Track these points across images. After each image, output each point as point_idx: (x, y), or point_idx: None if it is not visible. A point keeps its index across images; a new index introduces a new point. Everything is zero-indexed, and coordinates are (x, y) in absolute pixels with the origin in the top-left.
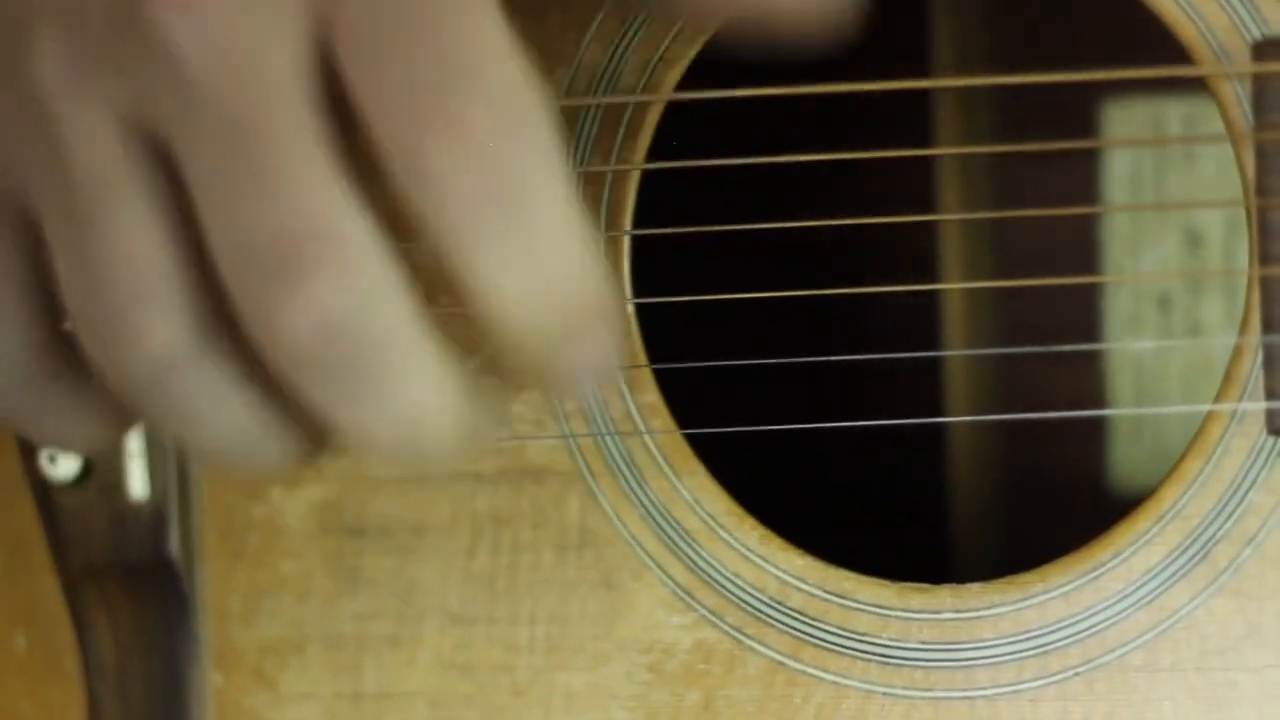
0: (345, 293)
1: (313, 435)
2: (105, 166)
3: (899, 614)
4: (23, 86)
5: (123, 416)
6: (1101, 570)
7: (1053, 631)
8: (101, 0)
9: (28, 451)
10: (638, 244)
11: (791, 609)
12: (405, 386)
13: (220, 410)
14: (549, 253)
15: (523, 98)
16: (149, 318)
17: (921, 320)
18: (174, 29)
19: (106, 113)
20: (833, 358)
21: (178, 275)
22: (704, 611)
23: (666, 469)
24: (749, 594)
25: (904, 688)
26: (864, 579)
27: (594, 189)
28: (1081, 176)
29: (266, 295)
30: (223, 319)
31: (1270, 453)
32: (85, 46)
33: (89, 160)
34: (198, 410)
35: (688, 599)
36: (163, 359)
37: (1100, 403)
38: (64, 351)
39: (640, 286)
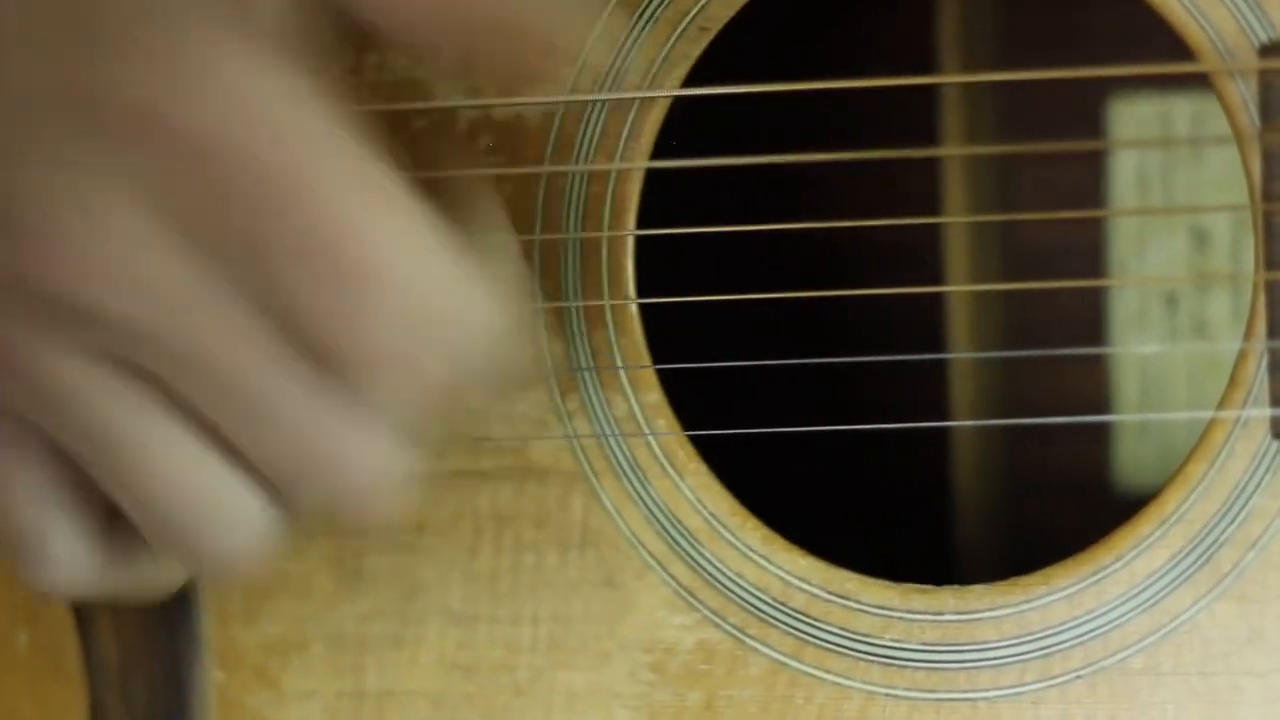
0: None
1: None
2: (96, 406)
3: (902, 615)
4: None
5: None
6: (1104, 573)
7: (1055, 634)
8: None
9: None
10: (641, 244)
11: (794, 609)
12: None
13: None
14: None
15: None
16: (222, 521)
17: (926, 320)
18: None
19: (78, 363)
20: (837, 359)
21: (227, 474)
22: (706, 612)
23: (669, 469)
24: (751, 594)
25: (906, 689)
26: (867, 580)
27: (598, 188)
28: (1088, 175)
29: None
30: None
31: (1275, 457)
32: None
33: (90, 406)
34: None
35: (690, 599)
36: (246, 547)
37: (1106, 402)
38: (126, 533)
39: (644, 286)
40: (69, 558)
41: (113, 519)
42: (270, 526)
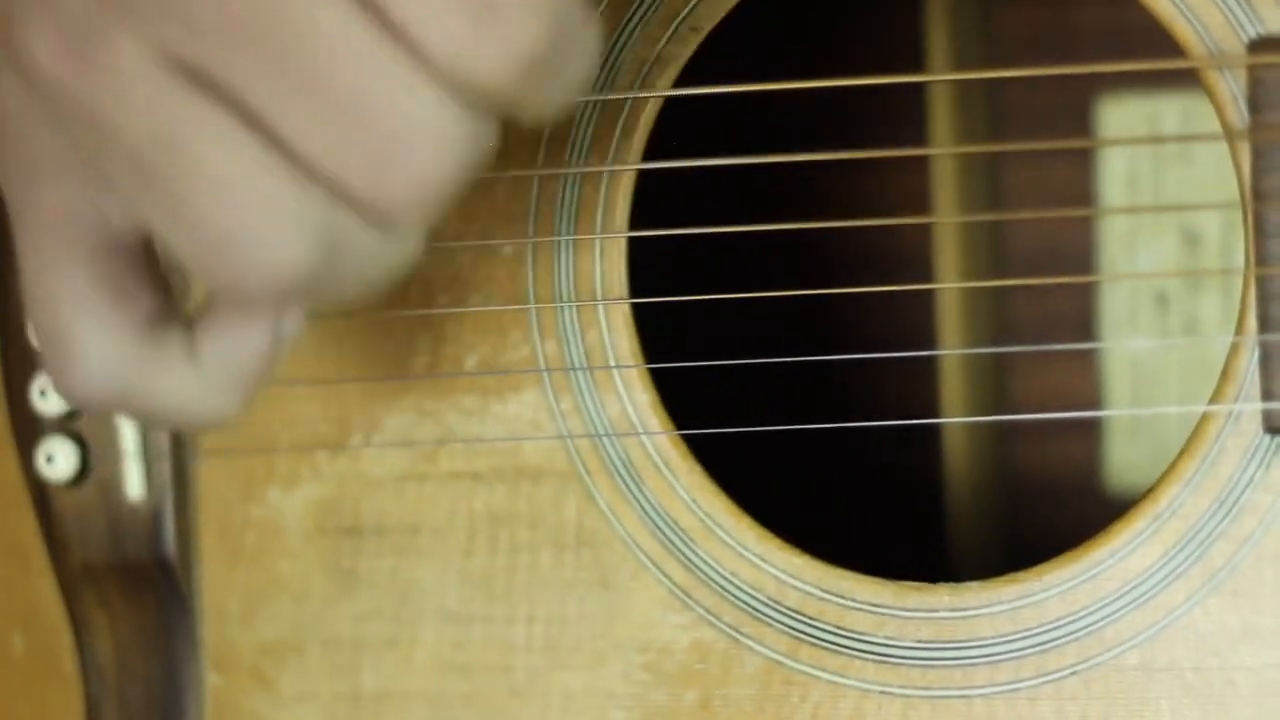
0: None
1: None
2: (158, 117)
3: (896, 613)
4: (29, 88)
5: (241, 387)
6: (1098, 569)
7: (1050, 630)
8: None
9: (25, 452)
10: (633, 244)
11: (789, 608)
12: None
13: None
14: (579, 75)
15: None
16: (276, 237)
17: (917, 319)
18: None
19: (131, 69)
20: (828, 357)
21: (289, 183)
22: (701, 611)
23: (663, 469)
24: (746, 593)
25: (901, 686)
26: (861, 578)
27: (590, 189)
28: (1079, 174)
29: (375, 176)
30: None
31: (1267, 451)
32: (76, 25)
33: (139, 119)
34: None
35: (685, 598)
36: (290, 273)
37: (1097, 401)
38: (163, 322)
39: (637, 287)
40: (99, 363)
41: (151, 326)
42: (325, 242)
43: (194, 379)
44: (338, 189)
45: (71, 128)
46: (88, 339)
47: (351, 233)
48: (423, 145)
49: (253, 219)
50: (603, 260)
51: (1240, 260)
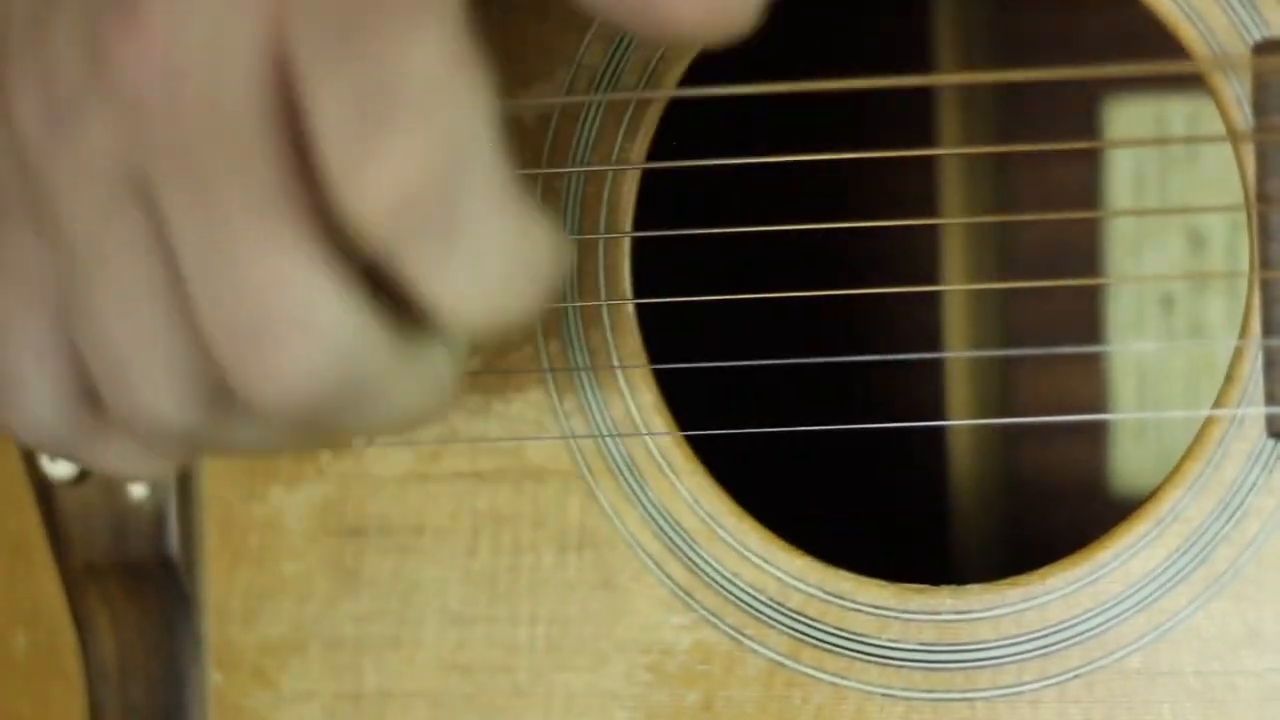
0: (318, 356)
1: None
2: (93, 216)
3: (899, 615)
4: (9, 135)
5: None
6: (1101, 573)
7: (1053, 633)
8: (70, 49)
9: (29, 451)
10: (638, 244)
11: (791, 610)
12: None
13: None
14: (490, 266)
15: (466, 123)
16: (150, 377)
17: (923, 321)
18: (131, 68)
19: (89, 162)
20: (833, 359)
21: (175, 331)
22: (704, 612)
23: (667, 469)
24: (749, 595)
25: (903, 689)
26: (864, 580)
27: (594, 188)
28: (1085, 175)
29: (250, 356)
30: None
31: (1270, 456)
32: (59, 96)
33: (78, 210)
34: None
35: (687, 599)
36: (165, 420)
37: (1103, 403)
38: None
39: (641, 287)
40: (38, 416)
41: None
42: (188, 405)
43: (130, 447)
44: (210, 358)
45: (29, 187)
46: (34, 390)
47: (227, 409)
48: (305, 337)
49: (138, 354)
50: (606, 260)
51: (1246, 261)
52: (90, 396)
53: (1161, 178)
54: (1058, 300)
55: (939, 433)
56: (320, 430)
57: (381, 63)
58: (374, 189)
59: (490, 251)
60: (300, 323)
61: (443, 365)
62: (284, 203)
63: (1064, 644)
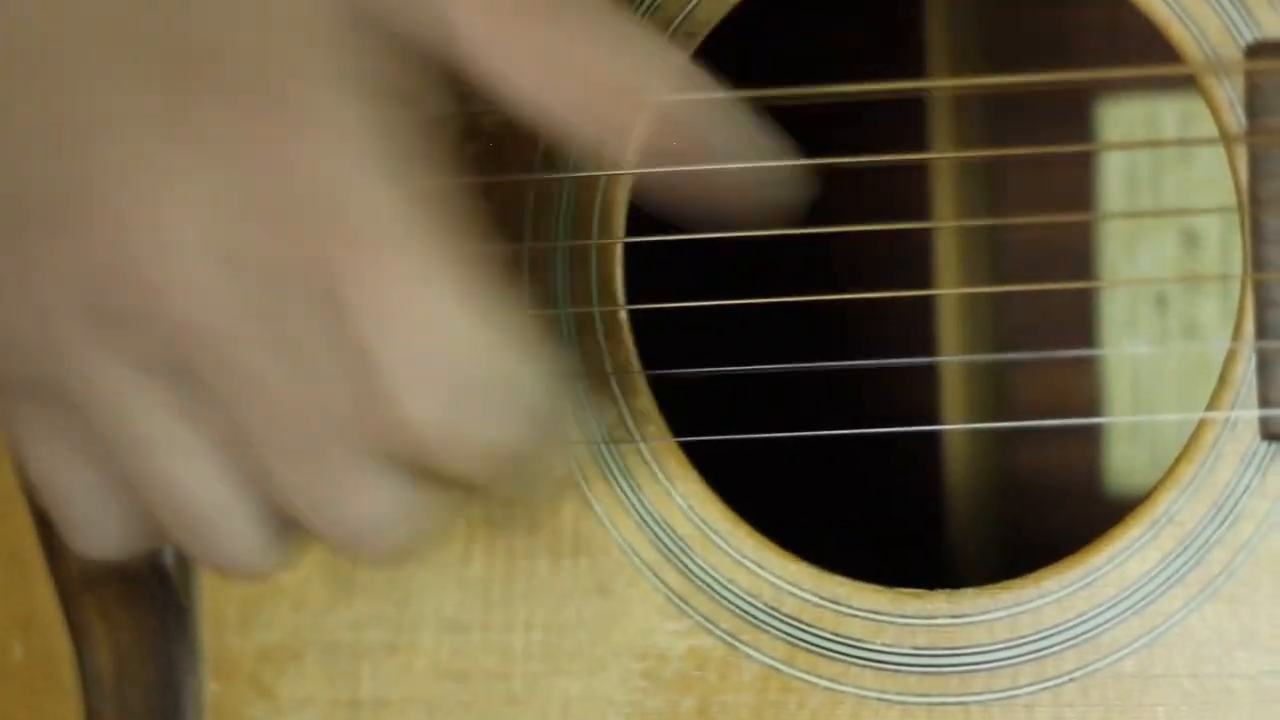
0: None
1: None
2: (146, 409)
3: (894, 619)
4: (51, 337)
5: None
6: (1095, 576)
7: (1048, 637)
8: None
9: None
10: (630, 250)
11: (786, 615)
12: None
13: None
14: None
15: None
16: (226, 536)
17: (917, 324)
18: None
19: (135, 364)
20: (827, 363)
21: (237, 494)
22: (699, 618)
23: (660, 476)
24: (743, 600)
25: (899, 693)
26: (858, 584)
27: (587, 194)
28: (1077, 176)
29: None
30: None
31: (1264, 458)
32: (103, 309)
33: (129, 403)
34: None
35: (682, 605)
36: (248, 564)
37: (1097, 405)
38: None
39: (634, 293)
40: (111, 538)
41: None
42: (274, 547)
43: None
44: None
45: (73, 387)
46: (97, 524)
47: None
48: (379, 530)
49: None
50: (600, 265)
51: (1240, 261)
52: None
53: (1155, 178)
54: (1051, 300)
55: (933, 435)
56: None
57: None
58: (453, 456)
59: (549, 463)
60: (383, 521)
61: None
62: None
63: (1059, 647)
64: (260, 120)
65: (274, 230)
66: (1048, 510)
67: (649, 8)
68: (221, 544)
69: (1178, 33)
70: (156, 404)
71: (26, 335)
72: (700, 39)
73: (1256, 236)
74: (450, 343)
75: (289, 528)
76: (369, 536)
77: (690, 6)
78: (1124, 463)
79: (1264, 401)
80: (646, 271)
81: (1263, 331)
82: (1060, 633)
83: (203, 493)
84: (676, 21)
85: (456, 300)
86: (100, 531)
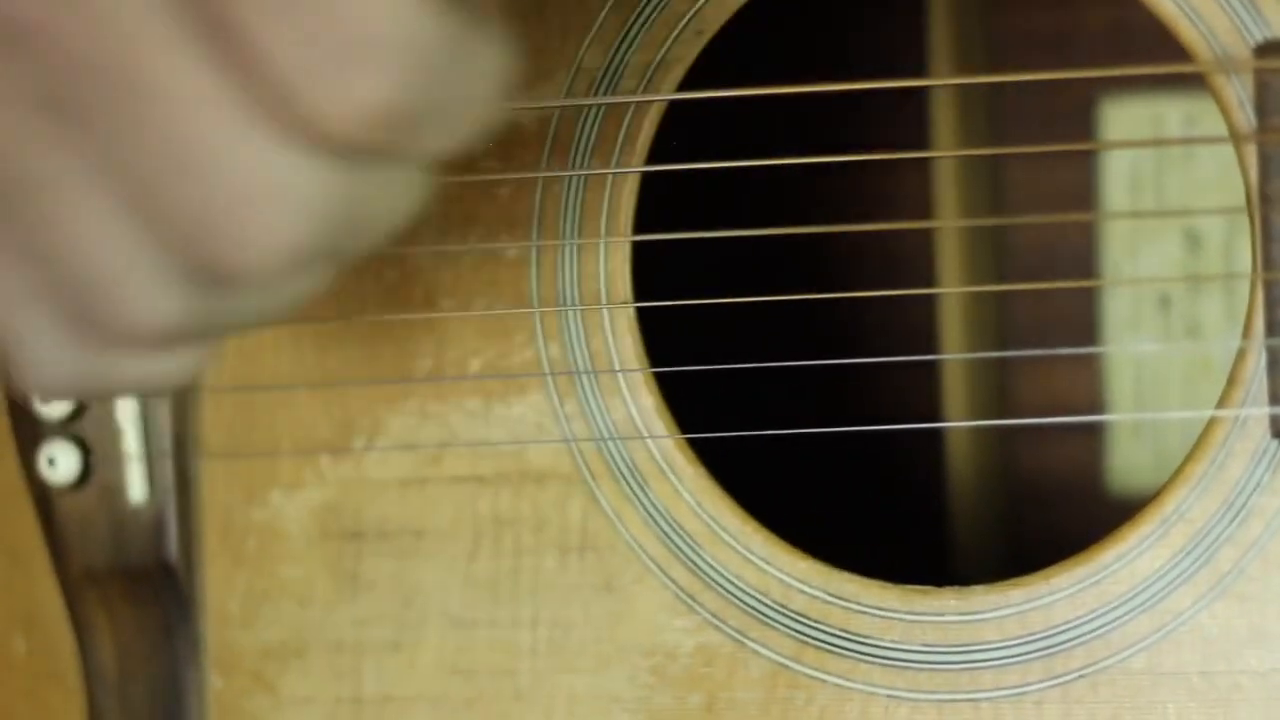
0: (290, 216)
1: None
2: (23, 153)
3: (902, 616)
4: None
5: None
6: (1105, 573)
7: (1057, 634)
8: None
9: (27, 455)
10: (637, 247)
11: (794, 612)
12: None
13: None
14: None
15: (435, 51)
16: (135, 289)
17: (920, 321)
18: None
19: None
20: (832, 361)
21: (143, 239)
22: (706, 614)
23: (668, 473)
24: (751, 597)
25: (908, 690)
26: (867, 581)
27: (594, 192)
28: (1080, 175)
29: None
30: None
31: (1274, 456)
32: None
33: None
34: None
35: (690, 602)
36: (166, 319)
37: (1100, 402)
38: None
39: (641, 290)
40: (47, 354)
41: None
42: (196, 291)
43: (146, 358)
44: (189, 251)
45: None
46: (35, 337)
47: (221, 288)
48: (269, 204)
49: (116, 273)
50: (607, 263)
51: (1243, 261)
52: (87, 322)
53: (1158, 178)
54: (1055, 298)
55: (937, 434)
56: (313, 272)
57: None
58: (333, 122)
59: (475, 97)
60: (265, 193)
61: (417, 174)
62: (223, 95)
63: (1068, 644)
64: None
65: None
66: (1050, 509)
67: (658, 6)
68: (133, 301)
69: (1186, 32)
70: (35, 140)
71: None
72: (708, 37)
73: (1266, 235)
74: None
75: (206, 281)
76: (249, 218)
77: (699, 5)
78: (1127, 462)
79: (1274, 399)
80: (654, 270)
81: (1273, 329)
82: (1070, 630)
83: (101, 242)
84: (685, 20)
85: None
86: (37, 343)
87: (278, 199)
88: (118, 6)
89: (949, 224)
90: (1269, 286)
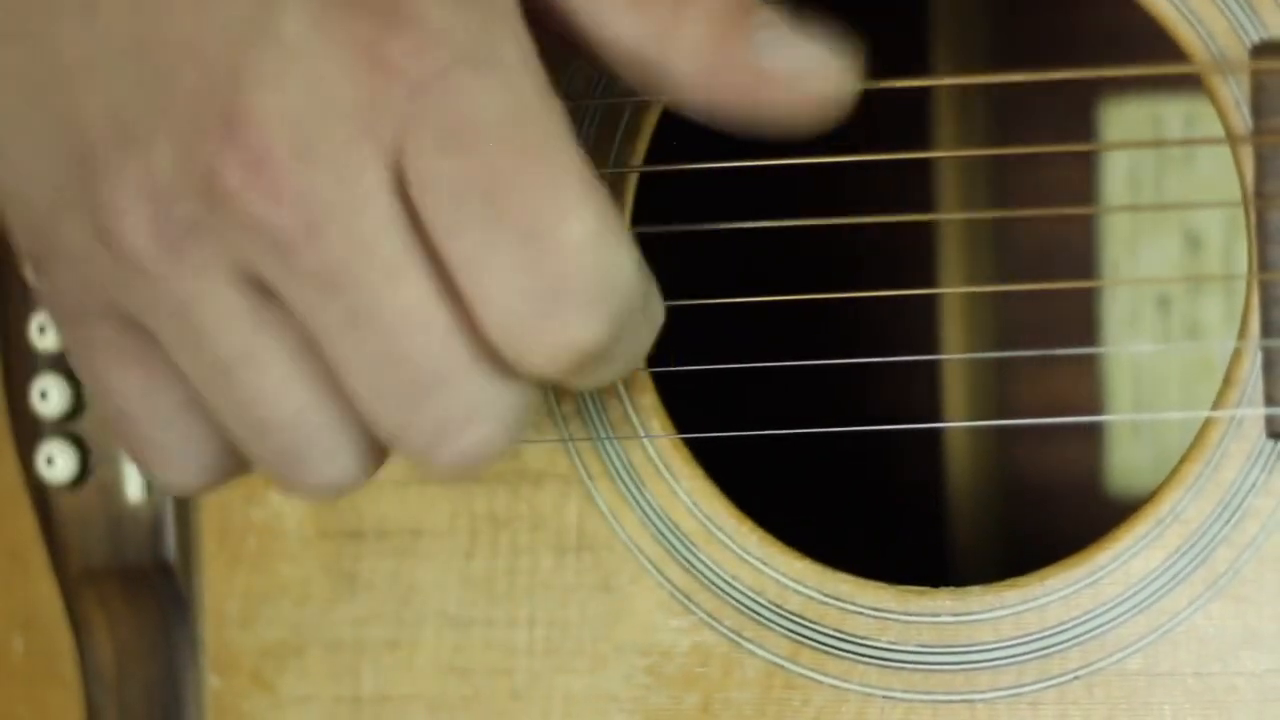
0: (489, 438)
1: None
2: (226, 322)
3: (898, 617)
4: (124, 260)
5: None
6: (1100, 574)
7: (1052, 635)
8: (181, 178)
9: (25, 454)
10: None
11: (790, 612)
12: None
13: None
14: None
15: (626, 288)
16: (310, 452)
17: (919, 321)
18: (256, 205)
19: (211, 274)
20: (830, 361)
21: (331, 416)
22: (702, 614)
23: (665, 472)
24: (747, 597)
25: (903, 691)
26: (863, 582)
27: None
28: (1080, 176)
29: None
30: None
31: (1269, 457)
32: (171, 221)
33: (209, 318)
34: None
35: (686, 602)
36: (340, 485)
37: (1099, 405)
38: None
39: None
40: (195, 466)
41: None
42: (366, 466)
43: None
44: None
45: (148, 308)
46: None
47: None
48: (466, 427)
49: (307, 438)
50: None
51: (1243, 262)
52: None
53: (1157, 178)
54: (1054, 298)
55: (935, 434)
56: None
57: (538, 238)
58: (541, 358)
59: (635, 351)
60: (471, 417)
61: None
62: (438, 320)
63: (1064, 645)
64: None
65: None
66: (1048, 509)
67: None
68: (305, 461)
69: (1184, 32)
70: (234, 315)
71: (98, 260)
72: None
73: (1262, 236)
74: (560, 244)
75: (372, 438)
76: (454, 436)
77: None
78: (1125, 462)
79: (1270, 400)
80: (652, 267)
81: (1269, 330)
82: (1065, 631)
83: (286, 406)
84: None
85: (583, 210)
86: (183, 460)
87: (484, 423)
88: (356, 232)
89: (946, 218)
90: (1265, 287)
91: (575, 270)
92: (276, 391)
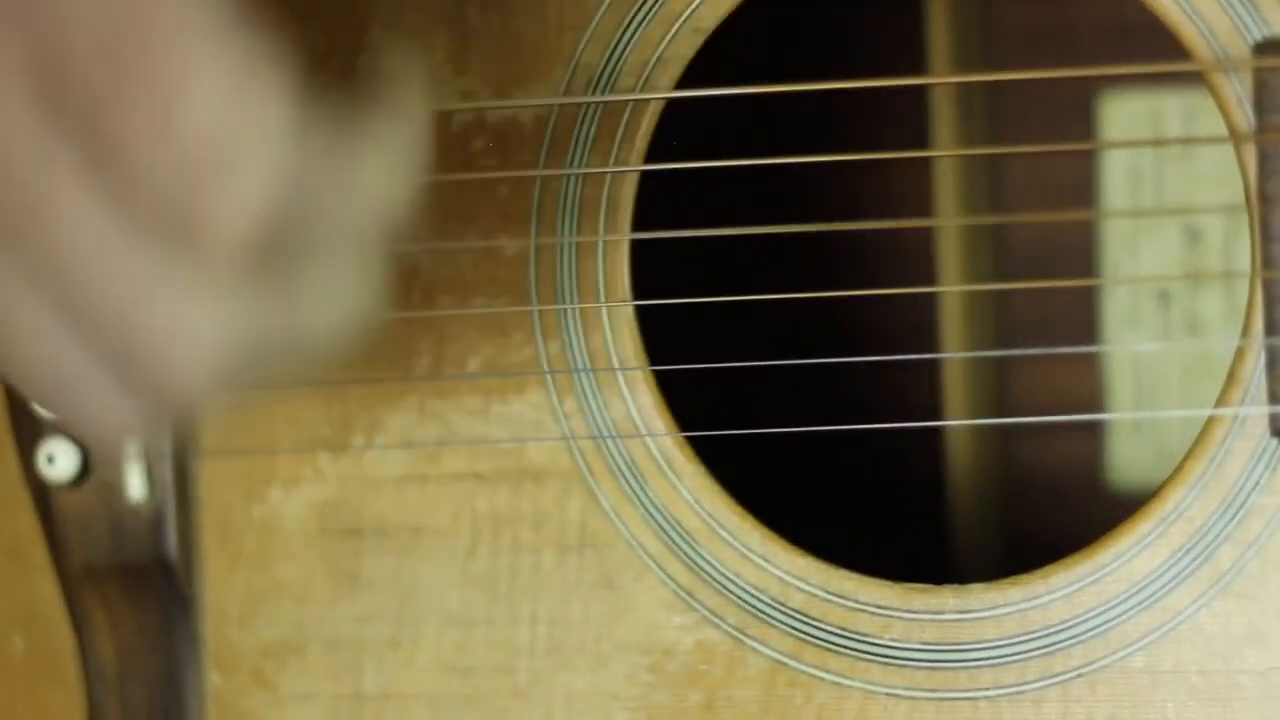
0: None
1: None
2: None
3: (901, 614)
4: None
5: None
6: (1104, 571)
7: (1056, 632)
8: None
9: (26, 453)
10: (637, 245)
11: (793, 609)
12: None
13: None
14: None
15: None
16: (86, 399)
17: (920, 318)
18: None
19: None
20: (831, 359)
21: (78, 352)
22: (705, 612)
23: (667, 470)
24: (750, 594)
25: (906, 688)
26: (866, 579)
27: (593, 189)
28: (1080, 171)
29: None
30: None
31: (1273, 455)
32: None
33: None
34: None
35: (689, 599)
36: (115, 424)
37: (1099, 402)
38: None
39: (640, 288)
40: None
41: None
42: (128, 406)
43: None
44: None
45: None
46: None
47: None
48: (184, 345)
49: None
50: (606, 261)
51: (1243, 256)
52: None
53: (1157, 173)
54: (1054, 295)
55: (937, 432)
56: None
57: (166, 106)
58: (213, 229)
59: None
60: (177, 335)
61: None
62: (107, 214)
63: (1067, 643)
64: None
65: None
66: (1049, 506)
67: (656, 4)
68: (86, 405)
69: (1186, 30)
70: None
71: None
72: (706, 34)
73: (1265, 234)
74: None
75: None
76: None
77: (697, 3)
78: (1126, 459)
79: (1274, 398)
80: (653, 267)
81: (1272, 329)
82: (1069, 628)
83: (50, 352)
84: (683, 17)
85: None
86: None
87: (192, 341)
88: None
89: (946, 223)
90: (1268, 286)
91: (209, 134)
92: (31, 338)
